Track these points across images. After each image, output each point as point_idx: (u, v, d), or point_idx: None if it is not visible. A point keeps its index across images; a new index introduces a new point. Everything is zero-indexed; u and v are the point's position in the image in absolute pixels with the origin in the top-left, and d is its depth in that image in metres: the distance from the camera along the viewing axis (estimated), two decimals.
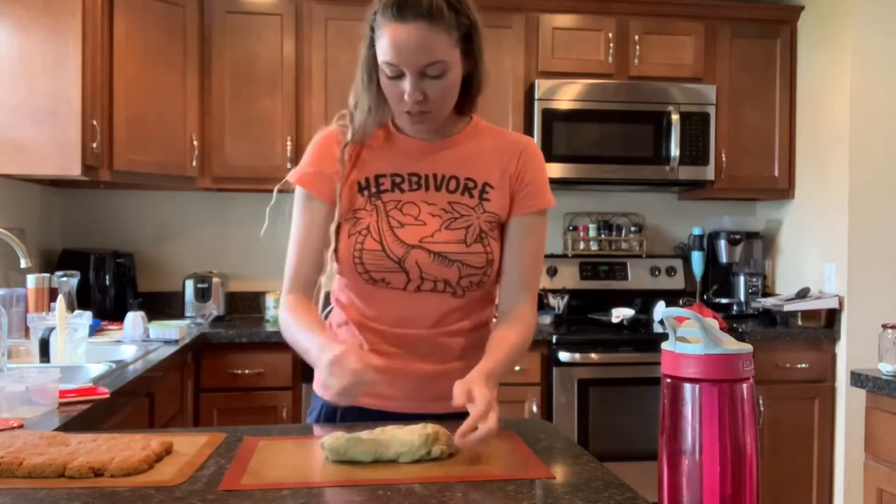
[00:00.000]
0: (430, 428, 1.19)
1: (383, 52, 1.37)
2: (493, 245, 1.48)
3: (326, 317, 1.58)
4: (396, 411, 1.47)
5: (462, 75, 1.43)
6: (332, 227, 1.47)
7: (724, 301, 3.89)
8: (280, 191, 1.56)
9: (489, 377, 1.32)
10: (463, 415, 1.35)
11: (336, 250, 1.48)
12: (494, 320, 1.56)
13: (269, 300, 3.55)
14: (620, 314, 3.51)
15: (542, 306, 3.67)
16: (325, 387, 1.27)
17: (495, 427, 1.18)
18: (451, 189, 1.48)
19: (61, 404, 1.63)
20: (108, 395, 1.77)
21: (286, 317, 1.46)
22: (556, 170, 3.57)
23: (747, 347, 0.91)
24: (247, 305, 3.77)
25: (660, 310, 3.59)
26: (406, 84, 1.37)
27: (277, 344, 3.16)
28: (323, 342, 1.35)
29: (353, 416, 1.47)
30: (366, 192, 1.47)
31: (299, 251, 1.49)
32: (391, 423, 1.26)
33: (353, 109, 1.48)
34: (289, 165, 3.42)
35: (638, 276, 3.93)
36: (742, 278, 3.88)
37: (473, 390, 1.24)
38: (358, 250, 1.44)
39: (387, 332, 1.49)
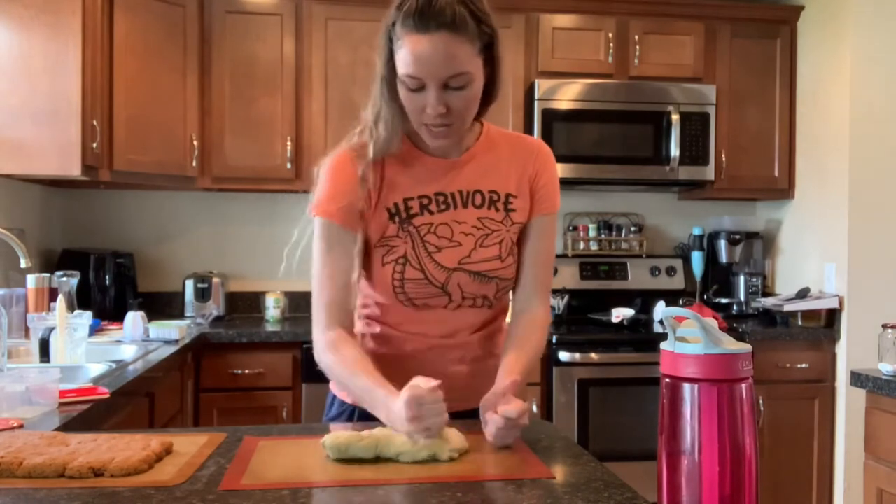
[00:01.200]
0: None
1: (404, 64, 1.32)
2: (517, 250, 1.51)
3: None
4: None
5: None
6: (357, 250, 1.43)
7: (724, 301, 3.89)
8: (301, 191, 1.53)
9: (517, 387, 1.34)
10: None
11: (369, 278, 1.47)
12: (508, 320, 1.57)
13: (269, 300, 3.55)
14: (620, 314, 3.51)
15: None
16: (413, 440, 1.21)
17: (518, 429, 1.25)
18: (478, 204, 1.47)
19: (61, 404, 1.63)
20: (108, 395, 1.77)
21: (330, 360, 1.41)
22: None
23: (746, 347, 0.91)
24: (247, 305, 3.77)
25: (660, 310, 3.59)
26: (429, 96, 1.33)
27: (277, 344, 3.17)
28: (385, 396, 1.28)
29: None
30: (396, 219, 1.44)
31: (334, 288, 1.42)
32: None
33: (374, 124, 1.42)
34: (289, 165, 3.42)
35: (638, 276, 3.93)
36: (742, 278, 3.88)
37: (515, 401, 1.26)
38: (399, 280, 1.43)
39: (423, 340, 1.49)
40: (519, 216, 1.50)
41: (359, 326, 1.53)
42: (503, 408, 1.23)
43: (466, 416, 1.44)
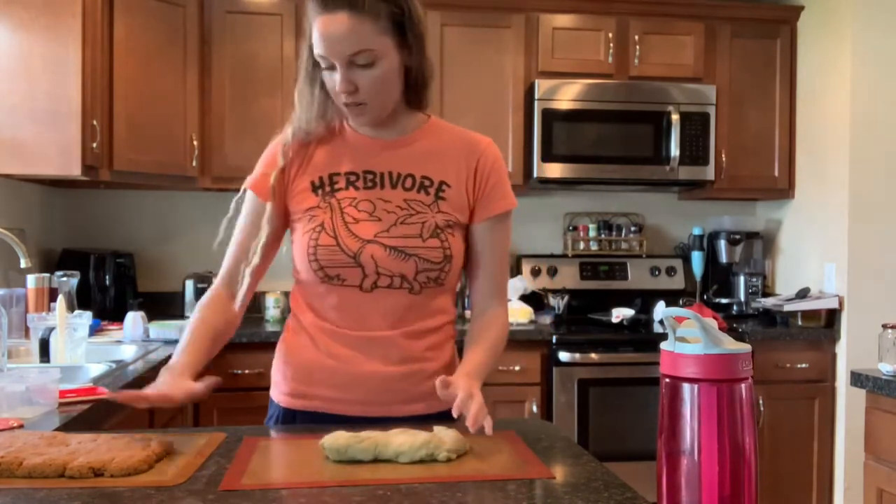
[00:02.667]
0: (436, 435, 1.19)
1: (316, 45, 1.37)
2: (451, 241, 1.46)
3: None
4: (354, 415, 1.45)
5: (403, 66, 1.42)
6: (265, 222, 1.49)
7: (724, 301, 3.89)
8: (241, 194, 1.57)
9: (470, 375, 1.35)
10: (429, 417, 1.41)
11: (294, 257, 1.49)
12: (467, 327, 1.56)
13: (269, 300, 3.55)
14: (620, 314, 3.51)
15: (543, 306, 3.67)
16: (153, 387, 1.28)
17: (482, 404, 1.25)
18: (407, 187, 1.47)
19: (61, 404, 1.63)
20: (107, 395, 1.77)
21: (197, 308, 1.50)
22: (556, 170, 3.57)
23: (746, 347, 0.91)
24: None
25: (660, 310, 3.59)
26: (336, 75, 1.38)
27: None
28: (174, 363, 1.37)
29: (308, 421, 1.47)
30: (319, 191, 1.47)
31: (237, 251, 1.51)
32: (345, 427, 1.27)
33: (298, 110, 1.51)
34: None
35: (638, 276, 3.93)
36: (742, 278, 3.88)
37: (455, 381, 1.28)
38: (312, 246, 1.44)
39: (343, 335, 1.46)
40: (449, 206, 1.47)
41: (291, 322, 1.56)
42: (456, 405, 1.25)
43: (410, 421, 1.43)
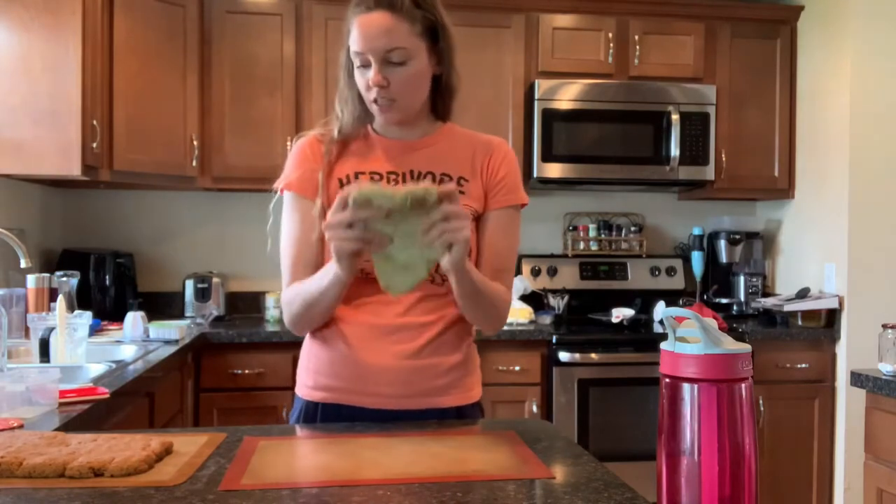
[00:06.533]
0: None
1: (352, 43, 1.45)
2: (472, 234, 1.48)
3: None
4: (373, 407, 1.47)
5: (432, 75, 1.50)
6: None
7: (724, 301, 3.89)
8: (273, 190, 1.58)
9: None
10: (448, 411, 1.44)
11: (319, 252, 1.50)
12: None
13: (270, 300, 3.55)
14: (620, 314, 3.51)
15: (542, 306, 3.67)
16: (339, 248, 1.31)
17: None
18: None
19: (61, 404, 1.63)
20: (108, 395, 1.77)
21: (291, 293, 1.48)
22: (556, 170, 3.57)
23: (746, 347, 0.91)
24: (247, 305, 3.77)
25: (660, 310, 3.59)
26: (371, 69, 1.44)
27: (277, 344, 3.17)
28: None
29: (333, 416, 1.49)
30: (345, 188, 1.50)
31: (296, 247, 1.51)
32: (372, 422, 1.33)
33: (340, 112, 1.55)
34: None
35: (638, 276, 3.93)
36: (742, 278, 3.88)
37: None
38: None
39: (365, 325, 1.48)
40: (469, 199, 1.50)
41: None
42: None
43: (426, 416, 1.45)
